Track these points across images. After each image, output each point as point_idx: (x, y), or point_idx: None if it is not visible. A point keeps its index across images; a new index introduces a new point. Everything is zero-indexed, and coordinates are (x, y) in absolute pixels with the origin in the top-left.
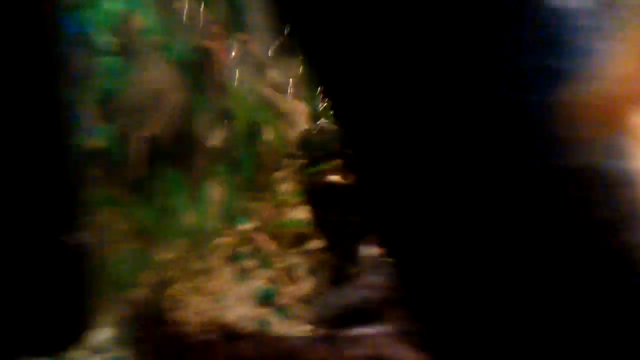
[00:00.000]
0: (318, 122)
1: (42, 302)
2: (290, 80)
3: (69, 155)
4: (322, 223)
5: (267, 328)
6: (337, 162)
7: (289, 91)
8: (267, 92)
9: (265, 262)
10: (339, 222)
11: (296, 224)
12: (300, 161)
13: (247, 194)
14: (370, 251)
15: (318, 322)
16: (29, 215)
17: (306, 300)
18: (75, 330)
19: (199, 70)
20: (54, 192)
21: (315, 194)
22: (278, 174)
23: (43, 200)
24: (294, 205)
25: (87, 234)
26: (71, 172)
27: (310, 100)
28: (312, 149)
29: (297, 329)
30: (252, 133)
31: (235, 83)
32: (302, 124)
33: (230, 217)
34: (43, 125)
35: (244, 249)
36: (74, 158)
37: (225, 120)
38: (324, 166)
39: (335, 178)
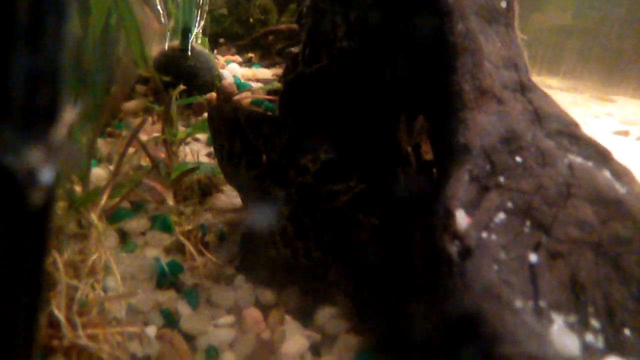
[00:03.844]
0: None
1: None
2: None
3: None
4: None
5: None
6: (212, 95)
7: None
8: None
9: (162, 222)
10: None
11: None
12: (160, 88)
13: (96, 124)
14: None
15: None
16: None
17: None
18: None
19: None
20: None
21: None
22: (129, 104)
23: None
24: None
25: None
26: None
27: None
28: (170, 73)
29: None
30: (108, 40)
31: None
32: (158, 42)
33: (78, 157)
34: None
35: (125, 204)
36: None
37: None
38: (198, 98)
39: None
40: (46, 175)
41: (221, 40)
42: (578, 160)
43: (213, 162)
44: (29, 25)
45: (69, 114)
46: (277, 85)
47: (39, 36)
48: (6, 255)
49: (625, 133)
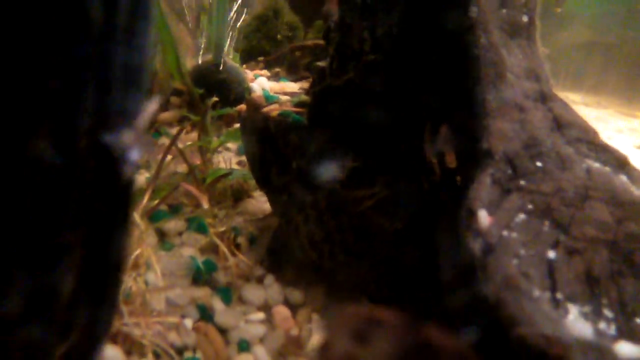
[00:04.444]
0: (208, 58)
1: None
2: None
3: None
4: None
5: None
6: (242, 107)
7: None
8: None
9: (197, 224)
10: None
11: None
12: (196, 99)
13: None
14: None
15: None
16: None
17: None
18: None
19: None
20: None
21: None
22: (165, 115)
23: None
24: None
25: None
26: None
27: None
28: (204, 86)
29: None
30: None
31: None
32: (192, 57)
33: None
34: None
35: (164, 207)
36: None
37: None
38: (229, 110)
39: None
40: (134, 154)
41: (260, 58)
42: (596, 165)
43: (244, 169)
44: (125, 27)
45: (152, 106)
46: (304, 97)
47: (133, 36)
48: (103, 214)
49: None
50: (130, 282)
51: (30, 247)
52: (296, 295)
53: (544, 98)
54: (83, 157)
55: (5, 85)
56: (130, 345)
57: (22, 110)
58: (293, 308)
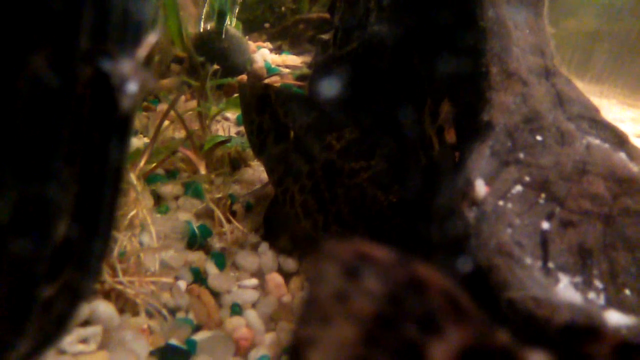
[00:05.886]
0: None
1: None
2: None
3: None
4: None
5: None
6: (242, 77)
7: None
8: None
9: (194, 189)
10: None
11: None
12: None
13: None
14: None
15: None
16: None
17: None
18: None
19: None
20: None
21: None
22: (165, 81)
23: None
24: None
25: None
26: None
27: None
28: (205, 54)
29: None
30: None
31: None
32: (194, 24)
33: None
34: None
35: (160, 172)
36: None
37: None
38: (230, 80)
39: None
40: (133, 85)
41: (266, 25)
42: (596, 141)
43: (243, 138)
44: None
45: (151, 38)
46: (306, 71)
47: None
48: (99, 146)
49: None
50: (125, 241)
51: (21, 158)
52: (290, 263)
53: (548, 73)
54: (80, 83)
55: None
56: (123, 302)
57: (22, 27)
58: (286, 276)
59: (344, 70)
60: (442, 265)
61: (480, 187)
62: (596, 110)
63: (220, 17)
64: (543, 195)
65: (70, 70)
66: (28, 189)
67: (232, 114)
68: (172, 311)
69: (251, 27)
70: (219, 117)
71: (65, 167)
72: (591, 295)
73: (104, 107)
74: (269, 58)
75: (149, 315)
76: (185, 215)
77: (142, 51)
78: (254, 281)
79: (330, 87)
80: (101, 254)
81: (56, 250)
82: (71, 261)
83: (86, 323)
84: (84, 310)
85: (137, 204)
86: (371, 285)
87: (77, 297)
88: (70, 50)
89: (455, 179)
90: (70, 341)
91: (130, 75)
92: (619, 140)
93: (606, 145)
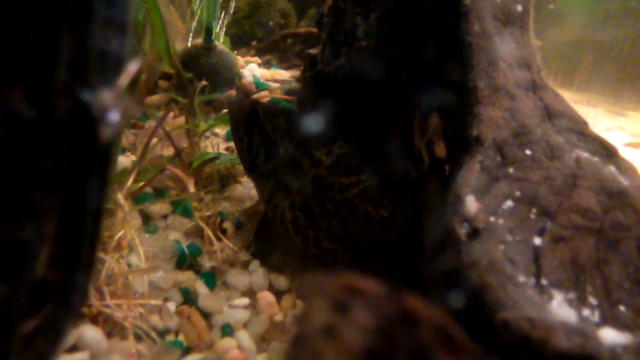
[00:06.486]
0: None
1: None
2: None
3: None
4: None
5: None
6: (231, 92)
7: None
8: None
9: (183, 207)
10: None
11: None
12: (186, 84)
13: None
14: None
15: None
16: None
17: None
18: None
19: None
20: None
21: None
22: (153, 98)
23: None
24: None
25: None
26: None
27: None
28: (193, 70)
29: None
30: (135, 34)
31: None
32: (182, 40)
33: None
34: None
35: (149, 190)
36: None
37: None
38: (218, 95)
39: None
40: (114, 115)
41: (253, 42)
42: (585, 155)
43: (232, 154)
44: None
45: (133, 66)
46: (295, 85)
47: None
48: (80, 177)
49: (636, 145)
50: (112, 263)
51: None
52: (281, 281)
53: (535, 87)
54: (59, 115)
55: None
56: (111, 326)
57: None
58: (278, 294)
59: (331, 86)
60: (435, 284)
61: (471, 204)
62: (584, 123)
63: (208, 32)
64: (534, 210)
65: (48, 102)
66: (4, 229)
67: (222, 130)
68: (162, 334)
69: (240, 42)
70: (208, 133)
71: (46, 199)
72: (586, 312)
73: (85, 138)
74: (258, 73)
75: (138, 338)
76: (174, 234)
77: (123, 80)
78: (245, 300)
79: (317, 103)
80: (83, 288)
81: (35, 287)
82: (51, 296)
83: (73, 349)
84: (71, 335)
85: (124, 224)
86: (361, 319)
87: (58, 333)
88: (47, 82)
89: (445, 195)
90: None
91: (111, 105)
92: (608, 153)
93: (595, 159)
